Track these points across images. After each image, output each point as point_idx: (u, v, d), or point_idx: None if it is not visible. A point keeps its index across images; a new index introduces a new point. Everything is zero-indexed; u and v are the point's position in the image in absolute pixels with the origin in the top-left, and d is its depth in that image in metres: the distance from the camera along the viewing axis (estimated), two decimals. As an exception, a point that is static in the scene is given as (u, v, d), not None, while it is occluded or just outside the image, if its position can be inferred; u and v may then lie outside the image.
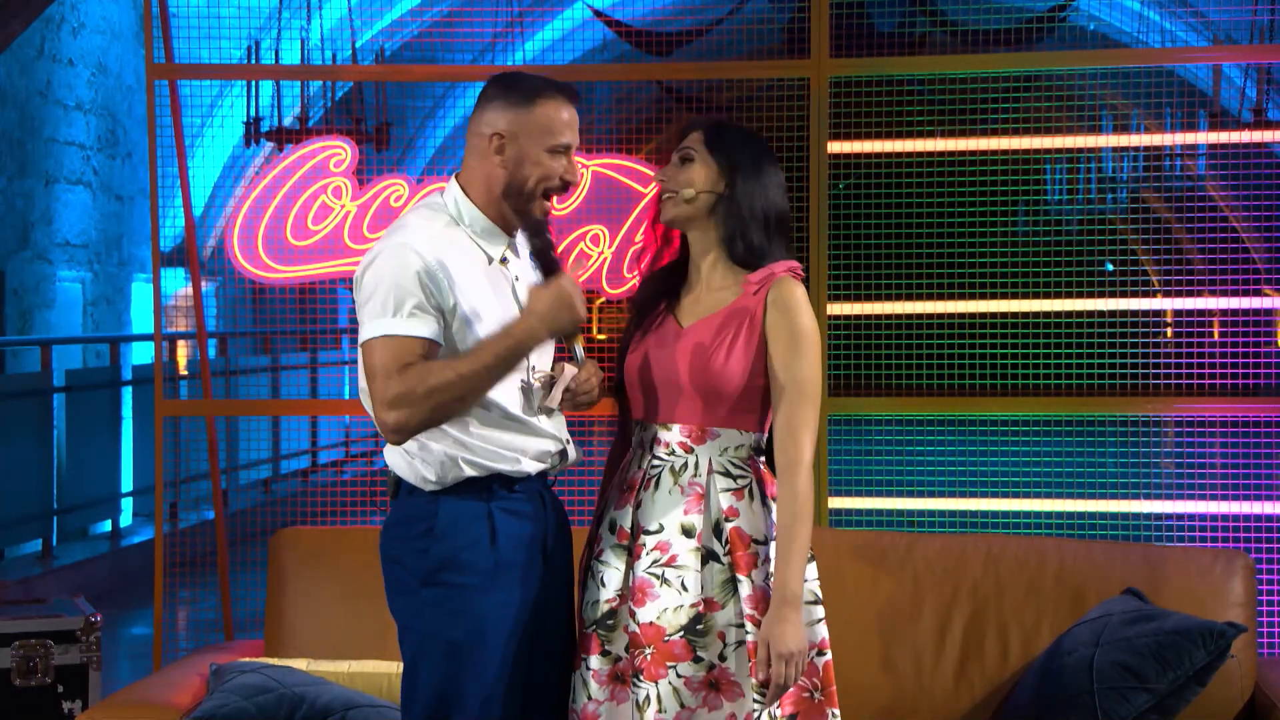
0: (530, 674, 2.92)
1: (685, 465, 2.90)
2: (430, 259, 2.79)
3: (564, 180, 2.92)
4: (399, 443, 2.82)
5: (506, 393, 2.88)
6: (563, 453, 2.98)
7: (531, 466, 2.91)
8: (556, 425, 2.97)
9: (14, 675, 4.45)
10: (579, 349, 2.93)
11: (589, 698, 2.90)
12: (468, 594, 2.83)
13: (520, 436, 2.89)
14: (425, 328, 2.78)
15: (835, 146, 5.16)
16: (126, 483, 9.74)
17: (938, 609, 3.71)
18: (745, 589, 2.83)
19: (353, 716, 3.47)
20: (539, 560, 2.92)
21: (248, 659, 3.71)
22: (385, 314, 2.78)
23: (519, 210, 2.92)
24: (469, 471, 2.85)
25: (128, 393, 9.92)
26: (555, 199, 2.97)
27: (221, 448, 5.92)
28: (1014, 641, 3.66)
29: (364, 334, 2.81)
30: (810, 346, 2.90)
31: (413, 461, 2.87)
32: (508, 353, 2.80)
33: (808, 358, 2.89)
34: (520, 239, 2.99)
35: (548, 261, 2.88)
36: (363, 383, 2.88)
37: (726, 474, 2.90)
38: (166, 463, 5.47)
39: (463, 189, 2.92)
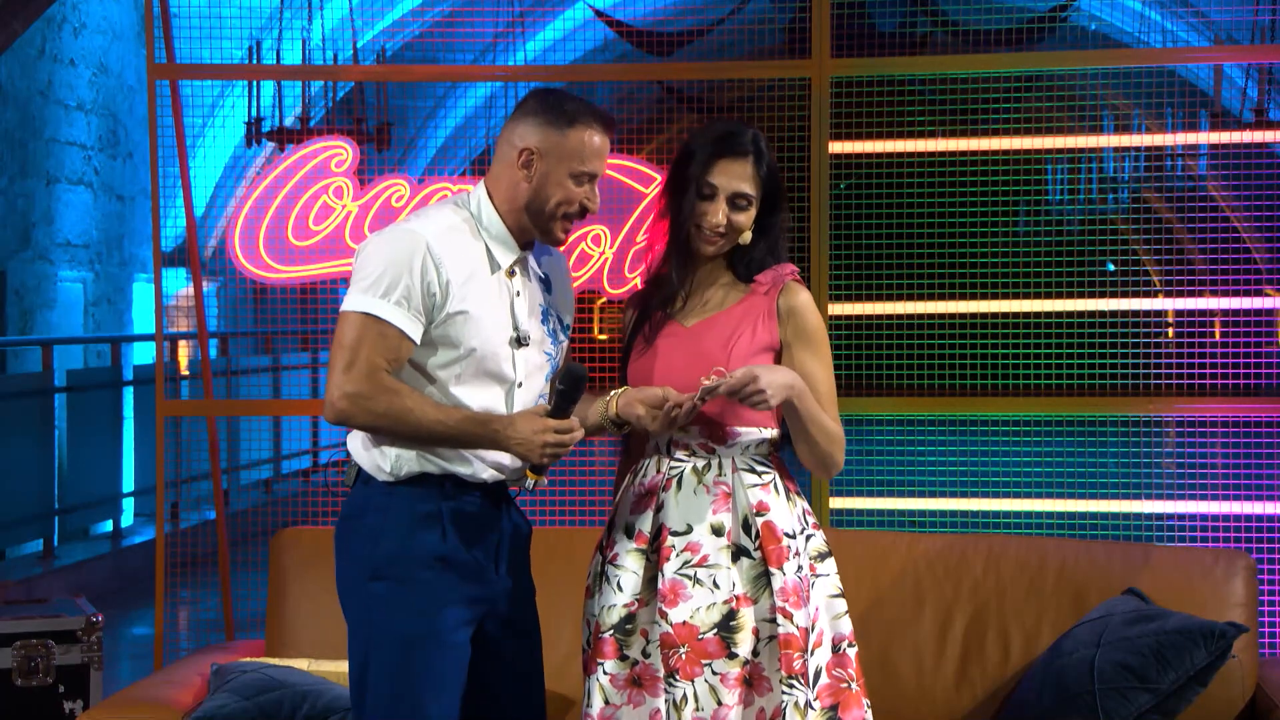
0: (490, 679, 2.93)
1: (709, 465, 2.92)
2: (436, 250, 2.81)
3: (583, 207, 2.91)
4: (333, 423, 2.85)
5: (473, 395, 2.88)
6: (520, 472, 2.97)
7: (486, 473, 2.90)
8: (529, 483, 2.98)
9: (15, 675, 4.46)
10: (530, 482, 2.92)
11: (605, 701, 2.90)
12: (416, 588, 2.84)
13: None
14: (407, 322, 2.80)
15: (836, 146, 5.16)
16: (128, 483, 9.74)
17: (939, 609, 3.71)
18: (778, 582, 2.84)
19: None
20: (490, 564, 2.92)
21: (249, 659, 3.71)
22: (373, 291, 2.79)
23: (539, 228, 2.93)
24: (423, 466, 2.86)
25: (129, 393, 9.92)
26: (573, 224, 2.96)
27: (223, 448, 5.93)
28: (1015, 642, 3.66)
29: (346, 304, 2.83)
30: (827, 349, 2.99)
31: (371, 451, 2.89)
32: (472, 437, 2.83)
33: (826, 360, 2.98)
34: (533, 259, 2.99)
35: (557, 407, 2.84)
36: None
37: (751, 470, 2.92)
38: (168, 463, 5.47)
39: (488, 193, 2.94)
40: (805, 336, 2.95)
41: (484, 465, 2.89)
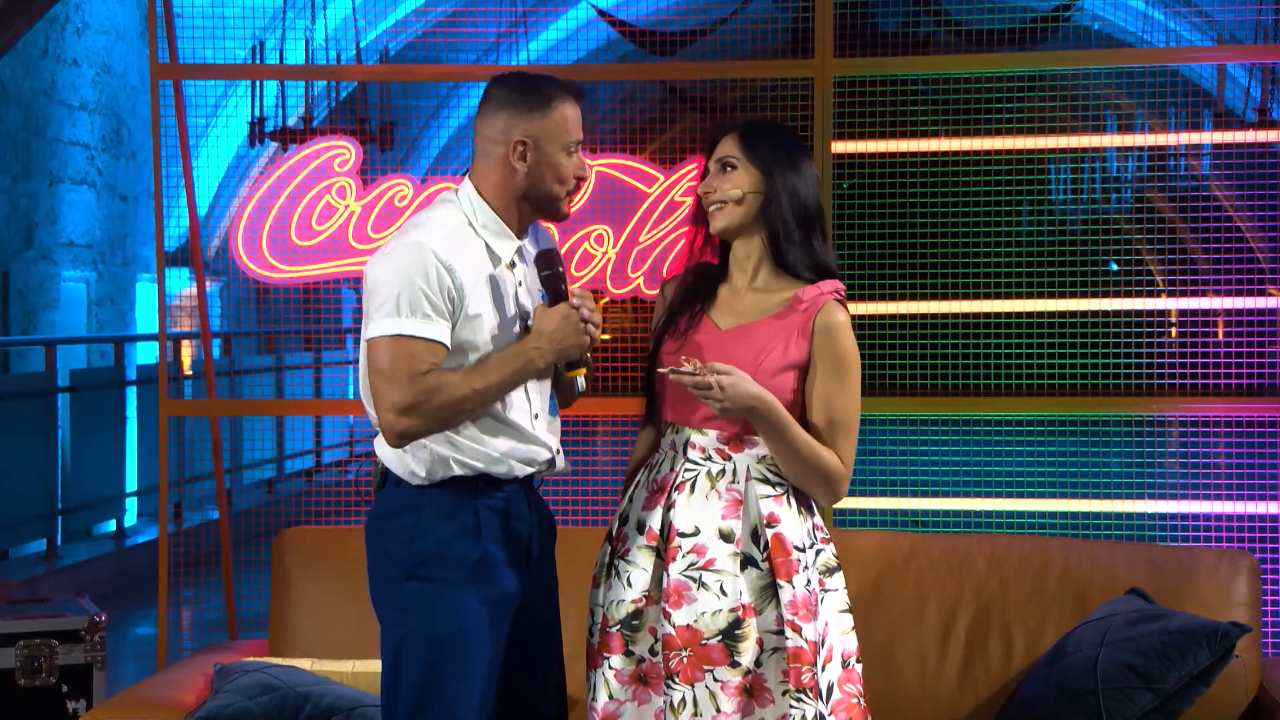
0: (511, 670, 2.93)
1: (723, 471, 2.90)
2: (445, 259, 2.80)
3: (578, 178, 2.95)
4: (400, 446, 2.84)
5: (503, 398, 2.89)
6: (551, 461, 2.99)
7: (519, 470, 2.93)
8: (549, 433, 2.98)
9: (19, 675, 4.46)
10: (581, 380, 2.94)
11: (610, 696, 2.90)
12: (451, 589, 2.85)
13: (512, 442, 2.91)
14: (438, 331, 2.80)
15: (839, 146, 5.15)
16: (131, 482, 9.75)
17: (942, 609, 3.71)
18: (786, 595, 2.82)
19: (356, 716, 3.48)
20: (522, 559, 2.93)
21: (252, 659, 3.71)
22: (398, 313, 2.78)
23: (545, 210, 2.95)
24: (457, 471, 2.87)
25: (132, 393, 9.93)
26: (575, 195, 3.00)
27: (226, 447, 5.93)
28: (1018, 642, 3.66)
29: (373, 330, 2.81)
30: (855, 377, 2.93)
31: (403, 456, 2.89)
32: (518, 372, 2.85)
33: (852, 388, 2.92)
34: (528, 244, 3.00)
35: (556, 290, 2.89)
36: (364, 379, 2.89)
37: (765, 480, 2.90)
38: (171, 462, 5.48)
39: (476, 190, 2.94)
40: (832, 359, 2.90)
41: (517, 463, 2.91)
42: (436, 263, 2.79)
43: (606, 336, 2.90)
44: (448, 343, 2.82)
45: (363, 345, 2.87)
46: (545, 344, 2.85)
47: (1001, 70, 5.48)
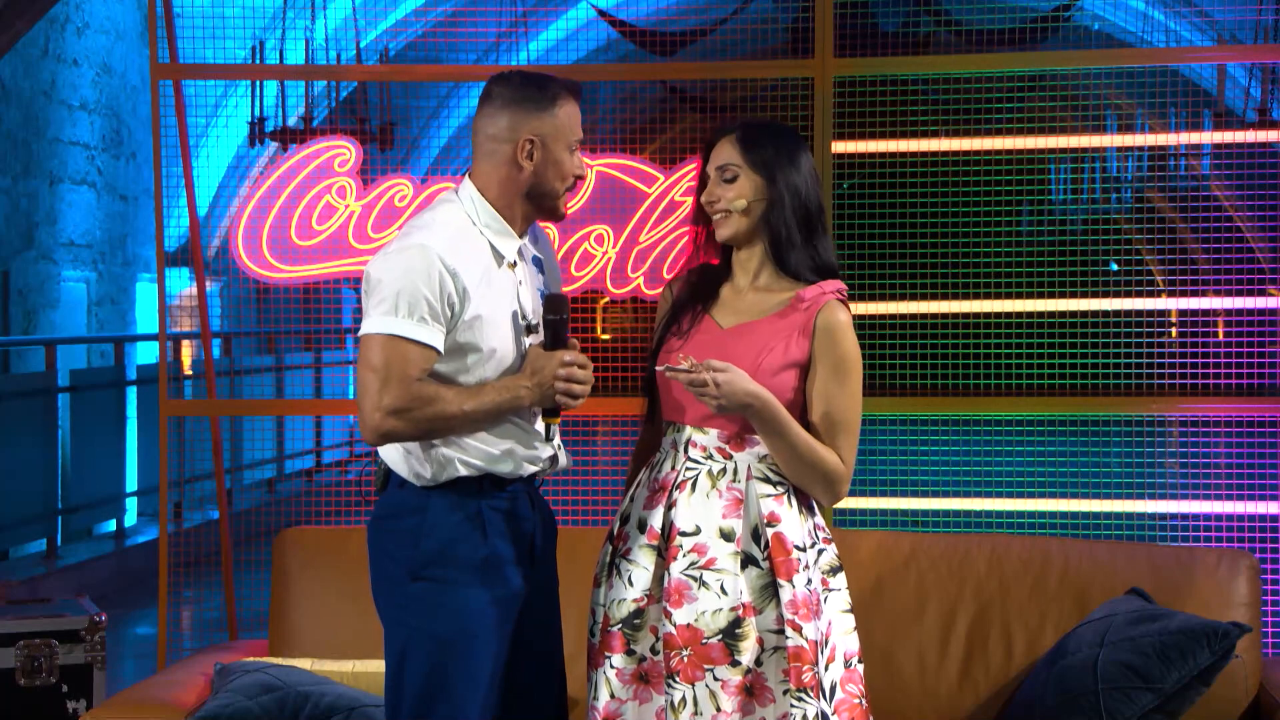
0: (515, 670, 2.93)
1: (724, 470, 2.90)
2: (450, 263, 2.81)
3: (576, 176, 2.96)
4: (377, 445, 2.86)
5: None
6: (554, 458, 3.00)
7: (525, 469, 2.94)
8: (551, 431, 2.99)
9: (19, 675, 4.46)
10: (554, 429, 2.96)
11: (611, 695, 2.90)
12: (456, 589, 2.85)
13: (518, 441, 2.91)
14: (433, 337, 2.80)
15: (839, 146, 5.15)
16: (131, 482, 9.75)
17: (942, 609, 3.71)
18: (786, 594, 2.82)
19: (357, 716, 3.48)
20: (526, 558, 2.94)
21: (252, 659, 3.71)
22: (396, 313, 2.78)
23: (546, 208, 2.96)
24: (463, 471, 2.87)
25: (132, 392, 9.93)
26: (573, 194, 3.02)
27: (226, 447, 5.93)
28: (1018, 642, 3.66)
29: (368, 327, 2.81)
30: (856, 377, 2.93)
31: (408, 457, 2.89)
32: (507, 403, 2.86)
33: (852, 388, 2.92)
34: (529, 243, 3.01)
35: (557, 336, 2.89)
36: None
37: (766, 480, 2.90)
38: (171, 462, 5.47)
39: (478, 189, 2.94)
40: (833, 358, 2.90)
41: (522, 462, 2.92)
42: (441, 267, 2.79)
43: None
44: (440, 349, 2.82)
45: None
46: (532, 384, 2.86)
47: (1001, 70, 5.48)
